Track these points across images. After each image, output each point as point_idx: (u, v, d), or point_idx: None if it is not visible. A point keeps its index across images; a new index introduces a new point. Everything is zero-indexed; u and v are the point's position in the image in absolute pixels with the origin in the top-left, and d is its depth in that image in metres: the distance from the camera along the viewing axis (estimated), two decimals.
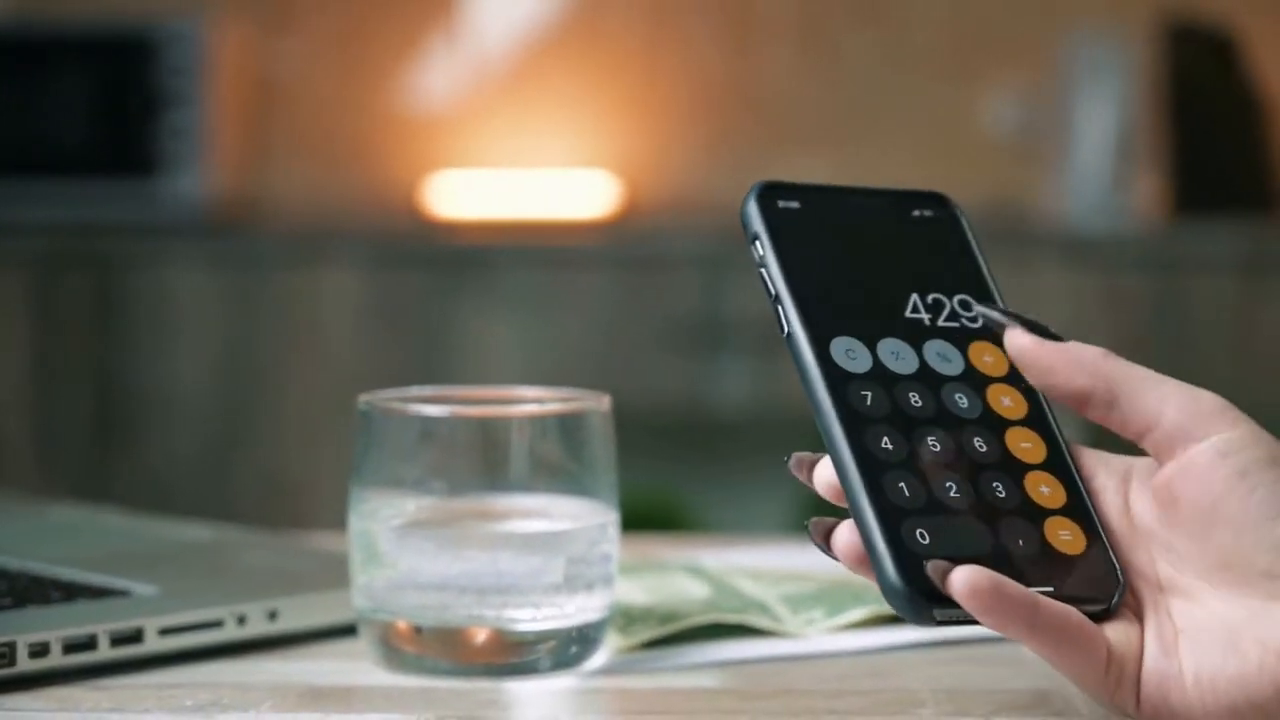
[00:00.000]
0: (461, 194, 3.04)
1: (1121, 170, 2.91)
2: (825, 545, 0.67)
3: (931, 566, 0.63)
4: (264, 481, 2.76)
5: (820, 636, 0.86)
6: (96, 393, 2.77)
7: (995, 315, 0.69)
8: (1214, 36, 3.01)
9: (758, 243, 0.69)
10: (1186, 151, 2.95)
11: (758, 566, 0.98)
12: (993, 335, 0.70)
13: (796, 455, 0.69)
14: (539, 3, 3.16)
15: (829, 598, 0.89)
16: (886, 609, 0.88)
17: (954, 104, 3.11)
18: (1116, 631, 0.65)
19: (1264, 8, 3.09)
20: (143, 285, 2.78)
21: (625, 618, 0.85)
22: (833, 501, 0.66)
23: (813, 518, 0.68)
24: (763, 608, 0.88)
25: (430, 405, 0.81)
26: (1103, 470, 0.68)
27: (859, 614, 0.87)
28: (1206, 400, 0.65)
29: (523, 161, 3.09)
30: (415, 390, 0.83)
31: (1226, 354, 2.77)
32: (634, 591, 0.91)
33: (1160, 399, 0.65)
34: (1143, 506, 0.67)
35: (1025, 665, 0.82)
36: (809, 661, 0.83)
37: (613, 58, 3.15)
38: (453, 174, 3.07)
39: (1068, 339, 0.68)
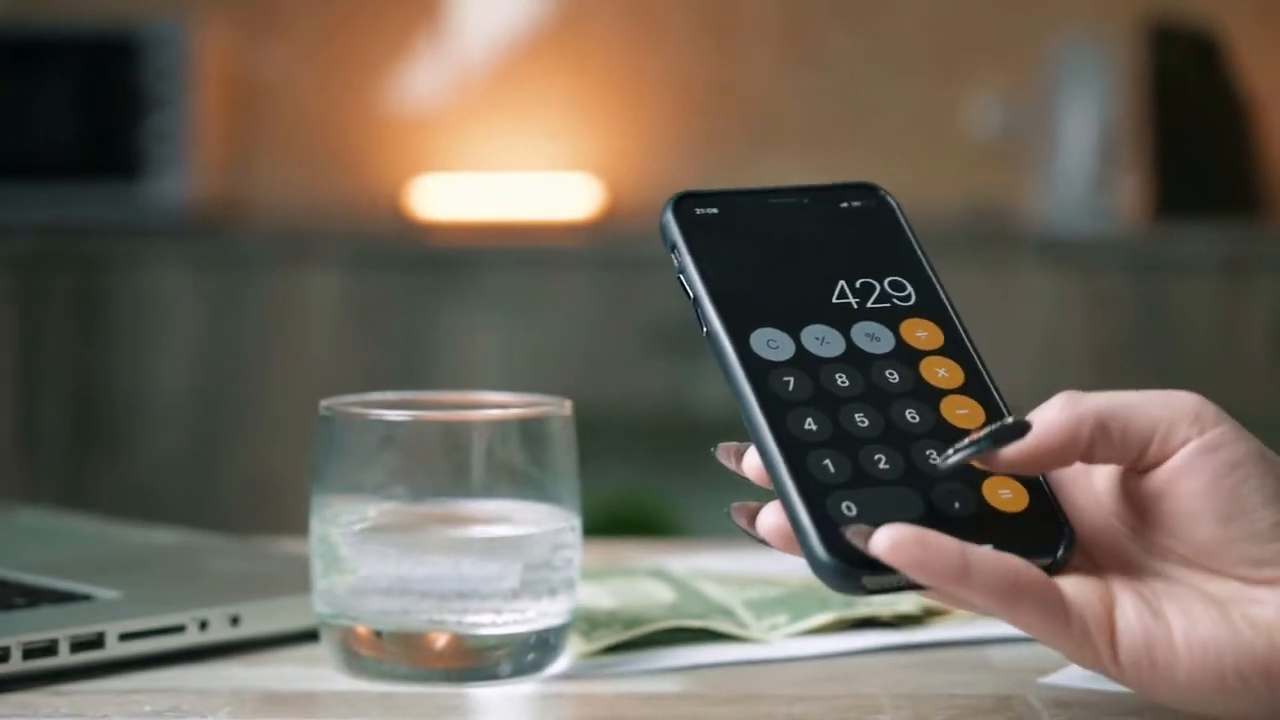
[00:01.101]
0: (445, 198, 3.04)
1: (1104, 172, 2.92)
2: (750, 528, 0.67)
3: (852, 531, 0.62)
4: (247, 483, 2.76)
5: (784, 641, 0.86)
6: (79, 395, 2.77)
7: (965, 453, 0.65)
8: (1197, 38, 3.01)
9: (675, 251, 0.70)
10: (1169, 153, 2.95)
11: (724, 571, 0.97)
12: (930, 317, 0.69)
13: (723, 445, 0.69)
14: (522, 6, 3.16)
15: (794, 603, 0.89)
16: (851, 614, 0.88)
17: (937, 105, 3.11)
18: (1073, 584, 0.64)
19: (1247, 9, 3.09)
20: (126, 287, 2.78)
21: (588, 623, 0.85)
22: (763, 487, 0.66)
23: (734, 503, 0.67)
24: (727, 613, 0.88)
25: (391, 410, 0.81)
26: None
27: (823, 619, 0.87)
28: (1186, 400, 0.65)
29: (506, 165, 3.09)
30: (377, 395, 0.83)
31: (1208, 356, 2.77)
32: (599, 596, 0.91)
33: (1147, 412, 0.65)
34: (1110, 496, 0.66)
35: (989, 671, 0.82)
36: (771, 666, 0.83)
37: (595, 61, 3.15)
38: (436, 178, 3.07)
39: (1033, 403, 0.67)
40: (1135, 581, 0.65)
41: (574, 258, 2.84)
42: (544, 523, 0.81)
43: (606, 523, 2.63)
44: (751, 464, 0.67)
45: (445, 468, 0.81)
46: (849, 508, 0.63)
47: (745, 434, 0.67)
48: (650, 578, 0.95)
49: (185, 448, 2.78)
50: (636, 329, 2.76)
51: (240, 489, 2.76)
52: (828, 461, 0.64)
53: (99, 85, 2.91)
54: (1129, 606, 0.64)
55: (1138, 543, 0.66)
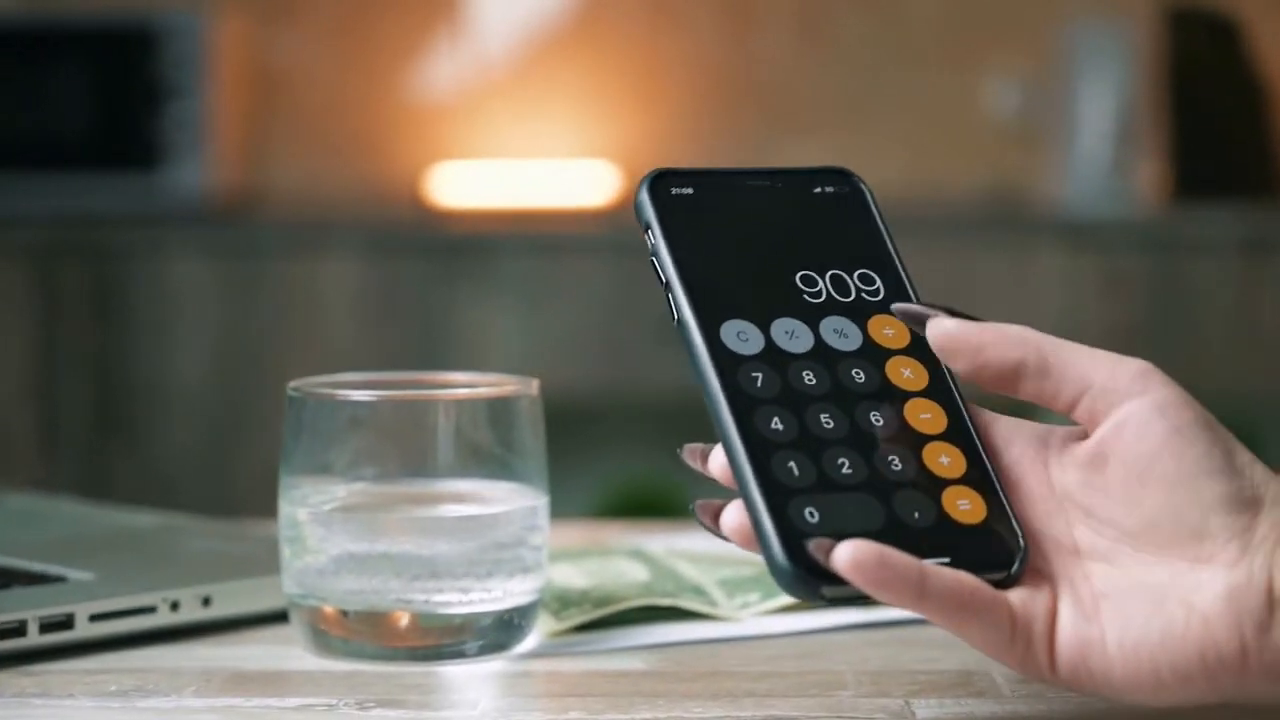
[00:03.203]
0: (463, 185, 3.04)
1: (1122, 154, 2.91)
2: (714, 526, 0.67)
3: (814, 545, 0.62)
4: (265, 471, 2.75)
5: (754, 620, 0.86)
6: (98, 383, 2.78)
7: (914, 309, 0.68)
8: (1215, 20, 3.00)
9: (649, 232, 0.70)
10: (1187, 135, 2.94)
11: (701, 551, 0.97)
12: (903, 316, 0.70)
13: (689, 446, 0.69)
14: None
15: (767, 582, 0.89)
16: None
17: (954, 89, 3.10)
18: (1021, 597, 0.64)
19: None
20: (144, 276, 2.78)
21: (559, 602, 0.85)
22: (729, 487, 0.66)
23: (698, 500, 0.68)
24: (698, 591, 0.88)
25: (359, 390, 0.81)
26: (1019, 437, 0.68)
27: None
28: (1135, 364, 0.66)
29: (524, 152, 3.09)
30: (345, 376, 0.84)
31: (1227, 338, 2.76)
32: (572, 576, 0.91)
33: (1091, 363, 0.66)
34: (1061, 472, 0.66)
35: (954, 647, 0.81)
36: (740, 644, 0.83)
37: (614, 48, 3.15)
38: (454, 165, 3.07)
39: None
40: (1078, 579, 0.65)
41: (591, 245, 2.84)
42: (512, 502, 0.81)
43: (621, 508, 2.64)
44: (717, 463, 0.67)
45: (413, 448, 0.81)
46: (811, 514, 0.63)
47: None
48: (626, 557, 0.95)
49: (204, 435, 2.79)
50: (653, 316, 2.76)
51: (259, 476, 2.76)
52: (792, 464, 0.64)
53: (116, 75, 2.91)
54: (1066, 614, 0.64)
55: (1088, 525, 0.66)
